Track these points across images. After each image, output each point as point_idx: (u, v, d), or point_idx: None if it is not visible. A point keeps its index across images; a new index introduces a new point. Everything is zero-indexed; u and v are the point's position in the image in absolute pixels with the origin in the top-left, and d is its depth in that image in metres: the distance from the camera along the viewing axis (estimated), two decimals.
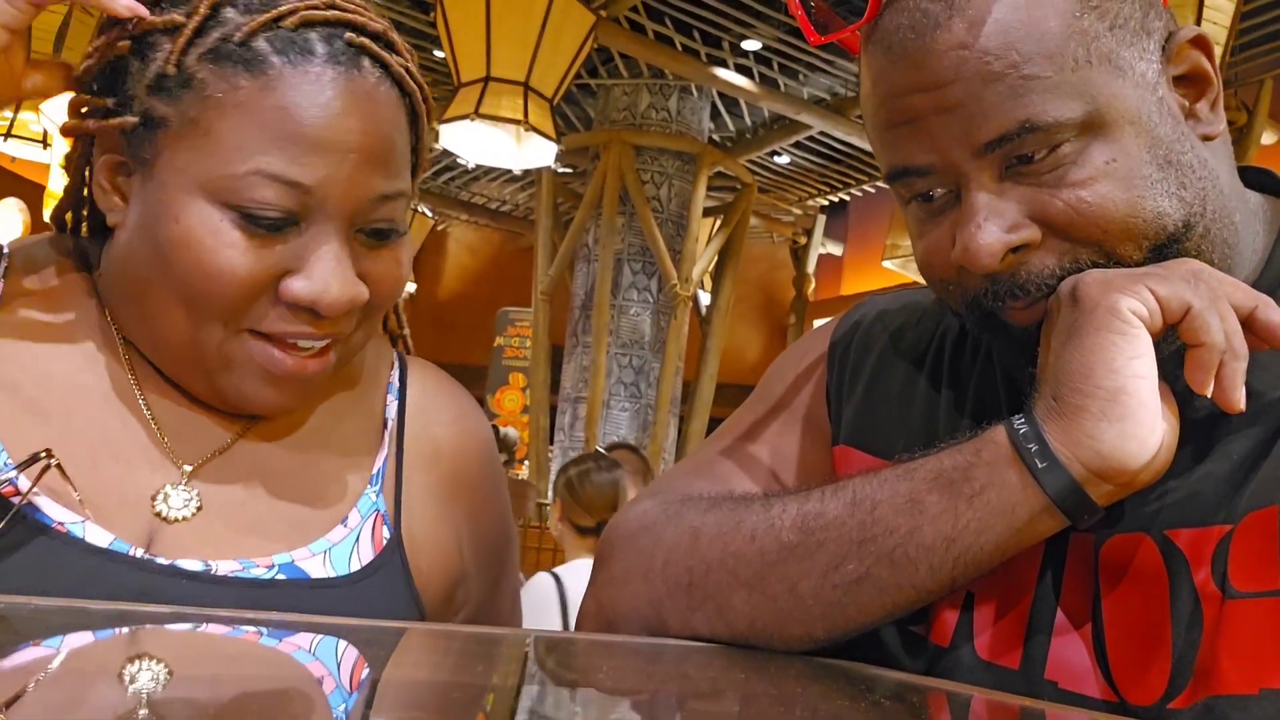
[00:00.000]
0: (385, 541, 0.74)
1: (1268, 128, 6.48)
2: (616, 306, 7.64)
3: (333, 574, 0.70)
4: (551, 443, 7.98)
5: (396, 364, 0.83)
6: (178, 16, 0.65)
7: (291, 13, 0.65)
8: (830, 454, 0.76)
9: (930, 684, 0.60)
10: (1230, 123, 0.61)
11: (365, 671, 0.52)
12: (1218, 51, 0.65)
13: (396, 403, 0.81)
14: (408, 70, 0.69)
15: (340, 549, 0.71)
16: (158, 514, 0.68)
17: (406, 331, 0.89)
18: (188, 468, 0.70)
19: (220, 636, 0.56)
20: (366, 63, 0.67)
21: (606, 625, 0.70)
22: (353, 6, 0.68)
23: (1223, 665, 0.52)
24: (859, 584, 0.60)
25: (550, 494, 3.60)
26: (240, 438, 0.73)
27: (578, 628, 0.73)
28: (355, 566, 0.71)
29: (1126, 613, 0.58)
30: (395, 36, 0.70)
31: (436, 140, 6.09)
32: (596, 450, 3.31)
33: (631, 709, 0.49)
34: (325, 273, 0.65)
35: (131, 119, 0.66)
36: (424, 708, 0.44)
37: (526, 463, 8.14)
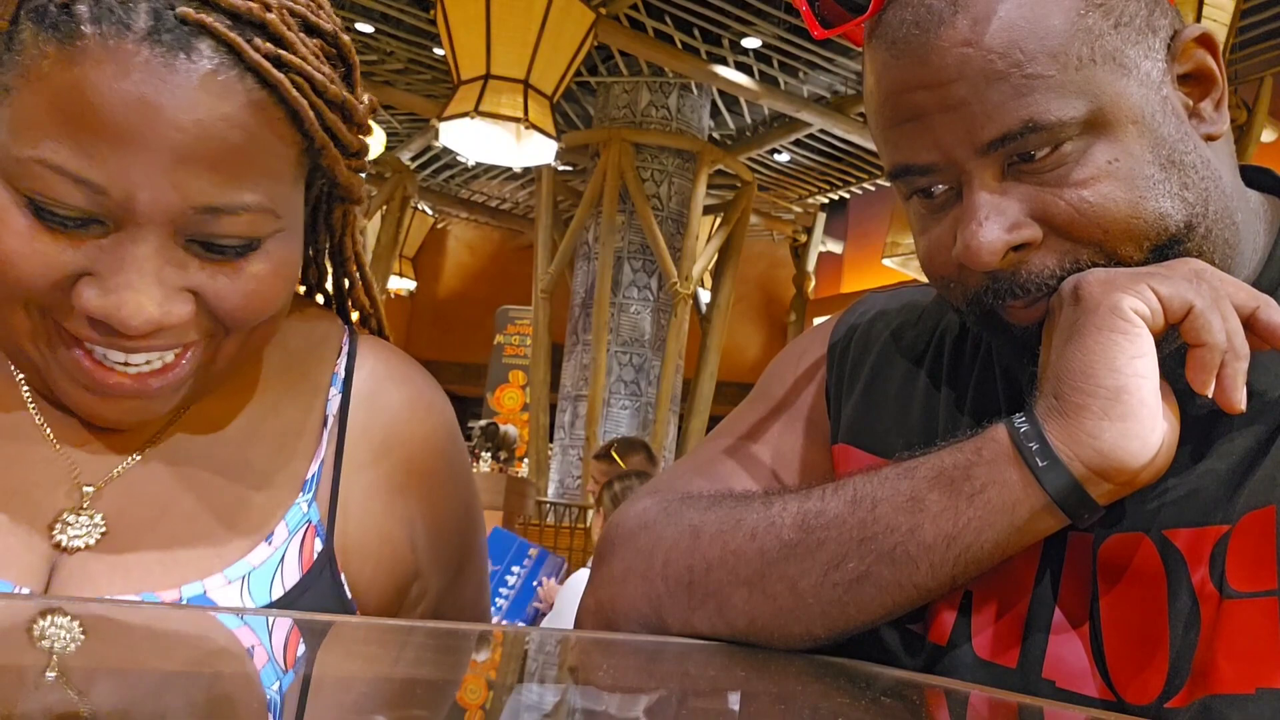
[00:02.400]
0: (315, 557, 0.67)
1: (1267, 125, 6.48)
2: (616, 304, 7.65)
3: (249, 604, 0.63)
4: (551, 440, 7.98)
5: (345, 350, 0.75)
6: None
7: None
8: (830, 453, 0.76)
9: (930, 682, 0.60)
10: (1230, 120, 0.61)
11: (365, 669, 0.52)
12: None
13: (339, 395, 0.72)
14: (278, 60, 0.57)
15: (261, 573, 0.64)
16: (56, 544, 0.61)
17: (379, 312, 0.81)
18: (89, 489, 0.63)
19: (188, 630, 0.56)
20: (205, 45, 0.55)
21: (606, 623, 0.70)
22: None
23: (1220, 665, 0.52)
24: (859, 582, 0.60)
25: (580, 500, 3.64)
26: (152, 446, 0.66)
27: (577, 626, 0.73)
28: (278, 593, 0.64)
29: (1124, 612, 0.58)
30: (273, 17, 0.58)
31: (436, 138, 6.09)
32: (638, 469, 3.37)
33: (632, 707, 0.48)
34: (122, 285, 0.56)
35: None
36: (423, 705, 0.44)
37: (526, 460, 8.14)
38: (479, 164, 9.78)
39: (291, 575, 0.65)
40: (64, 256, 0.56)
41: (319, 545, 0.67)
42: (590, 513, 4.99)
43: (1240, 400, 0.53)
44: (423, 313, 13.19)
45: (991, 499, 0.57)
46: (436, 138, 6.20)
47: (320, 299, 0.81)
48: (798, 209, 10.51)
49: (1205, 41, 0.62)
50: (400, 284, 11.85)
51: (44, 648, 0.47)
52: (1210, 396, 0.54)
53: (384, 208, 9.05)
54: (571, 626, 0.74)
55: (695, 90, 7.91)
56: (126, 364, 0.59)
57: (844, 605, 0.60)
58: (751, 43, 7.26)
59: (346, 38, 0.64)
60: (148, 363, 0.60)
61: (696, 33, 7.21)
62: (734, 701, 0.53)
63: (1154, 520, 0.59)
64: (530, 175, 9.63)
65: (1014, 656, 0.61)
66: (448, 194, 11.53)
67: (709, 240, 8.56)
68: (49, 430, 0.64)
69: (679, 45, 7.28)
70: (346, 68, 0.65)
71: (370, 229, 9.24)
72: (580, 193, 7.97)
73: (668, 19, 7.05)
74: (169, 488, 0.65)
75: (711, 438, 0.83)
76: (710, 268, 8.82)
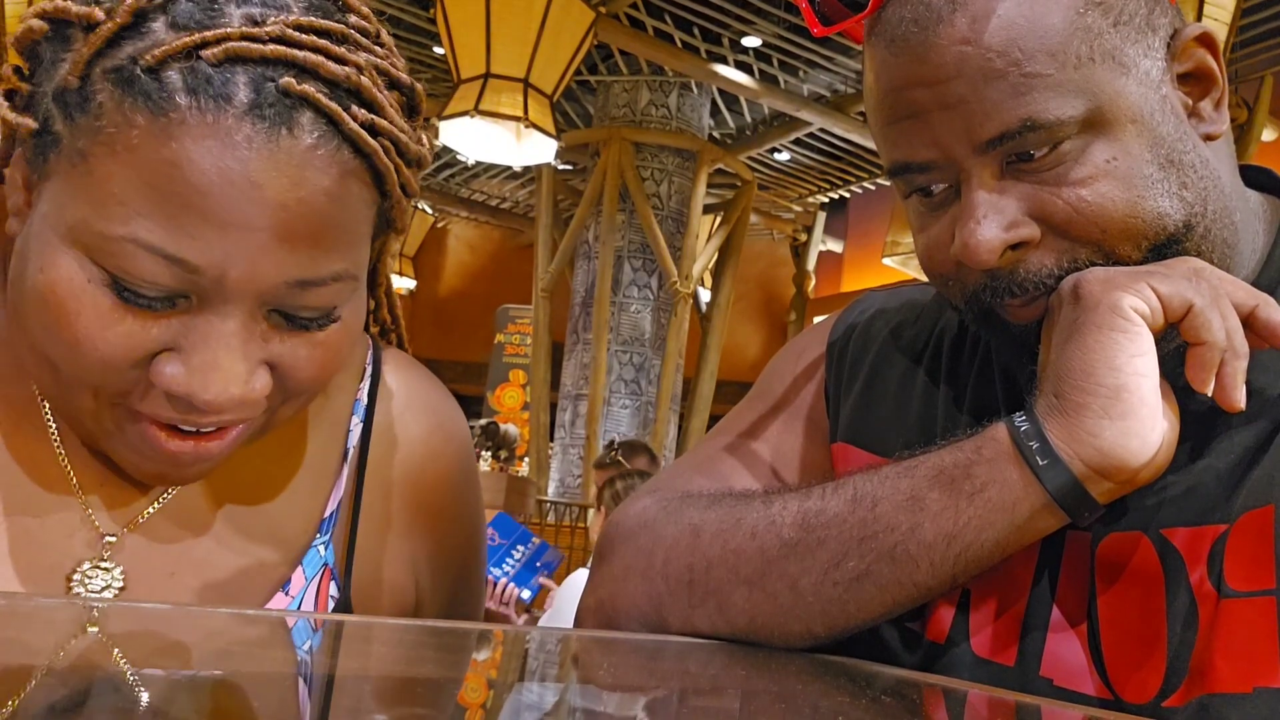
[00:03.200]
0: (332, 605, 0.66)
1: (1268, 124, 6.48)
2: (617, 304, 7.65)
3: None
4: (552, 440, 7.99)
5: (368, 373, 0.72)
6: (99, 12, 0.52)
7: (220, 40, 0.51)
8: (829, 451, 0.76)
9: (929, 681, 0.60)
10: (1230, 119, 0.61)
11: (365, 668, 0.52)
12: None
13: (361, 425, 0.70)
14: (372, 126, 0.55)
15: None
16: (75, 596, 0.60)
17: (399, 326, 0.79)
18: (111, 538, 0.61)
19: (206, 630, 0.56)
20: (306, 118, 0.52)
21: (606, 622, 0.70)
22: (312, 41, 0.53)
23: (1217, 664, 0.52)
24: (859, 581, 0.60)
25: (591, 499, 3.65)
26: (172, 492, 0.64)
27: (577, 625, 0.73)
28: None
29: (1122, 611, 0.58)
30: (366, 81, 0.55)
31: (436, 137, 6.09)
32: (640, 470, 3.38)
33: (632, 706, 0.48)
34: (207, 365, 0.53)
35: (30, 123, 0.54)
36: (425, 704, 0.44)
37: (526, 460, 8.15)
38: (479, 163, 9.78)
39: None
40: (146, 335, 0.53)
41: (334, 590, 0.66)
42: (591, 512, 5.00)
43: (1240, 398, 0.53)
44: (423, 312, 13.19)
45: (992, 498, 0.57)
46: (436, 136, 6.20)
47: None
48: (798, 208, 10.51)
49: (1205, 40, 0.62)
50: (400, 283, 11.85)
51: (49, 648, 0.47)
52: (1210, 395, 0.54)
53: None
54: (570, 625, 0.74)
55: (695, 89, 7.91)
56: (198, 430, 0.57)
57: (844, 604, 0.60)
58: (751, 41, 7.26)
59: (420, 86, 0.62)
60: (213, 428, 0.57)
61: (696, 31, 7.21)
62: (735, 700, 0.53)
63: (1152, 519, 0.59)
64: (530, 174, 9.63)
65: (1012, 655, 0.61)
66: (448, 193, 11.53)
67: (709, 239, 8.56)
68: (73, 476, 0.62)
69: (679, 44, 7.28)
70: (421, 119, 0.63)
71: None
72: (580, 192, 7.97)
73: (668, 18, 7.04)
74: (187, 536, 0.63)
75: (711, 436, 0.83)
76: (710, 267, 8.82)
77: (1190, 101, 0.62)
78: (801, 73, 7.70)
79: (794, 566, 0.61)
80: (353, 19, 0.58)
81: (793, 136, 8.53)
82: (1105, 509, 0.57)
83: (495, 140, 5.89)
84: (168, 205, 0.50)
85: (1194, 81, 0.62)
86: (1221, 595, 0.54)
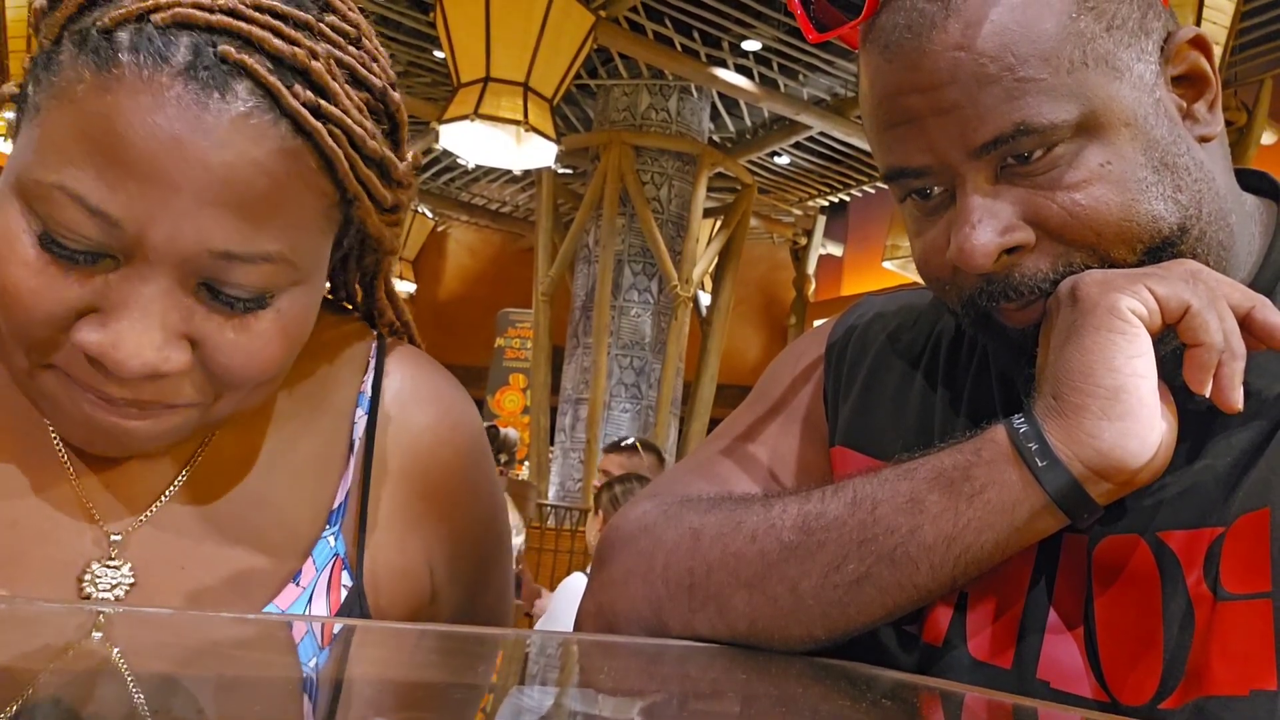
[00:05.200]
0: (345, 594, 0.65)
1: (1267, 128, 6.48)
2: (617, 307, 7.65)
3: None
4: (552, 443, 7.98)
5: (372, 365, 0.72)
6: None
7: (170, 5, 0.53)
8: (828, 454, 0.76)
9: (929, 684, 0.60)
10: (1230, 123, 0.62)
11: (365, 671, 0.52)
12: (1217, 51, 0.65)
13: (366, 416, 0.70)
14: (317, 109, 0.56)
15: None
16: (85, 596, 0.60)
17: (411, 330, 0.80)
18: (117, 536, 0.61)
19: (212, 637, 0.56)
20: (242, 87, 0.53)
21: (606, 626, 0.70)
22: (262, 19, 0.55)
23: (1214, 666, 0.53)
24: (860, 584, 0.60)
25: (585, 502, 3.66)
26: (176, 487, 0.64)
27: (577, 629, 0.73)
28: None
29: (1119, 613, 0.58)
30: (318, 66, 0.56)
31: (436, 141, 6.09)
32: (638, 474, 3.40)
33: (633, 710, 0.49)
34: (123, 327, 0.53)
35: (10, 88, 0.58)
36: (424, 708, 0.44)
37: (527, 463, 8.14)
38: (479, 167, 9.78)
39: (321, 614, 0.64)
40: (69, 291, 0.54)
41: (347, 579, 0.66)
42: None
43: (1237, 399, 0.53)
44: (423, 316, 13.17)
45: (991, 499, 0.57)
46: (436, 140, 6.21)
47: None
48: (798, 212, 10.51)
49: (1199, 43, 0.62)
50: (401, 287, 11.86)
51: (56, 650, 0.47)
52: (1207, 396, 0.54)
53: None
54: (568, 629, 0.74)
55: (695, 93, 7.92)
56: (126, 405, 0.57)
57: (844, 607, 0.60)
58: (751, 45, 7.27)
59: (397, 95, 0.62)
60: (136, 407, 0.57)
61: (696, 35, 7.21)
62: (735, 704, 0.53)
63: (1149, 522, 0.59)
64: (530, 178, 9.63)
65: (1009, 657, 0.61)
66: (448, 197, 11.53)
67: (709, 243, 8.56)
68: (74, 474, 0.62)
69: (679, 48, 7.28)
70: (392, 125, 0.63)
71: None
72: (580, 195, 7.97)
73: (667, 22, 7.05)
74: (194, 531, 0.64)
75: (710, 440, 0.83)
76: (711, 270, 8.82)
77: (1184, 104, 0.62)
78: (801, 76, 7.71)
79: (794, 569, 0.61)
80: (330, 17, 0.59)
81: (793, 140, 8.53)
82: (1104, 510, 0.57)
83: (495, 144, 5.90)
84: (97, 156, 0.52)
85: (1188, 84, 0.62)
86: (1218, 598, 0.54)
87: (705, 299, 8.77)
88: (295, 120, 0.55)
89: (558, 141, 5.97)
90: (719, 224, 8.80)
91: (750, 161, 8.98)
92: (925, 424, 0.71)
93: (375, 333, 0.76)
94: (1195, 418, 0.58)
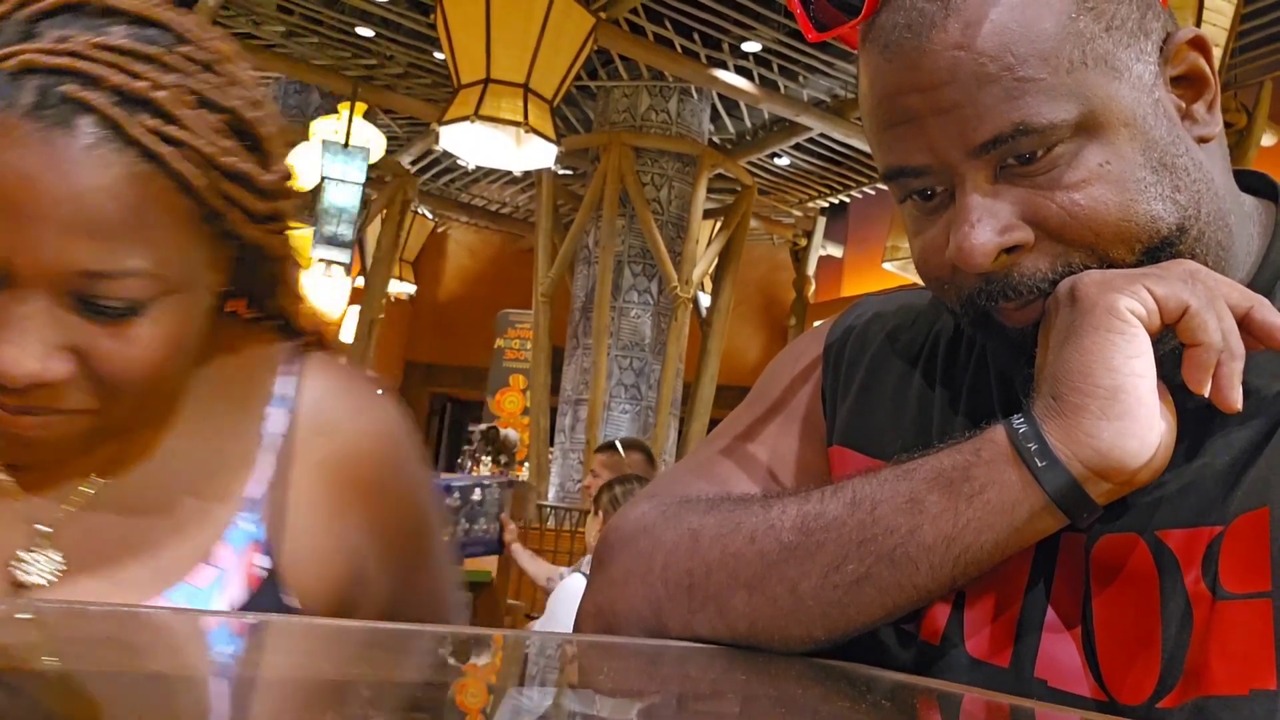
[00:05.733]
0: (262, 575, 0.70)
1: (1267, 129, 6.49)
2: (617, 308, 7.65)
3: None
4: (552, 444, 7.98)
5: (286, 368, 0.78)
6: None
7: (18, 53, 0.59)
8: (826, 454, 0.76)
9: (928, 685, 0.60)
10: (1230, 124, 0.62)
11: (365, 672, 0.52)
12: (1217, 53, 0.65)
13: (284, 414, 0.75)
14: (164, 134, 0.61)
15: (204, 594, 0.67)
16: (15, 582, 0.65)
17: (321, 332, 0.84)
18: (46, 529, 0.67)
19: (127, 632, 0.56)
20: (86, 121, 0.59)
21: (606, 628, 0.70)
22: (106, 57, 0.60)
23: (1213, 666, 0.53)
24: (859, 584, 0.60)
25: (588, 504, 3.69)
26: (99, 479, 0.70)
27: (576, 630, 0.73)
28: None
29: (1117, 612, 0.58)
30: (162, 95, 0.61)
31: (436, 142, 6.10)
32: (638, 474, 3.42)
33: (633, 711, 0.49)
34: (4, 340, 0.60)
35: None
36: (424, 708, 0.44)
37: (526, 464, 8.14)
38: (479, 168, 9.79)
39: (237, 594, 0.68)
40: None
41: (265, 562, 0.70)
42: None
43: (1236, 399, 0.53)
44: (423, 316, 13.19)
45: (991, 500, 0.57)
46: (436, 142, 6.21)
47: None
48: (798, 213, 10.52)
49: (1198, 44, 0.62)
50: (401, 288, 11.85)
51: None
52: (1206, 396, 0.54)
53: (384, 212, 9.06)
54: (567, 630, 0.74)
55: (695, 94, 7.92)
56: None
57: (844, 607, 0.60)
58: (751, 47, 7.27)
59: (255, 113, 0.68)
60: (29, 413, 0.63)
61: (696, 37, 7.22)
62: (735, 705, 0.53)
63: (1148, 520, 0.59)
64: (530, 179, 9.64)
65: (1007, 656, 0.61)
66: (448, 198, 11.54)
67: (709, 244, 8.57)
68: (4, 475, 0.68)
69: (679, 49, 7.29)
70: (254, 139, 0.68)
71: (371, 233, 9.25)
72: (580, 196, 7.97)
73: (667, 23, 7.06)
74: (118, 515, 0.69)
75: (709, 440, 0.83)
76: (710, 271, 8.83)
77: (1183, 104, 0.62)
78: (801, 78, 7.71)
79: (793, 570, 0.61)
80: (185, 48, 0.64)
81: (793, 141, 8.54)
82: (1104, 510, 0.57)
83: (495, 145, 5.90)
84: None
85: (1187, 84, 0.62)
86: (1217, 597, 0.54)
87: (705, 300, 8.77)
88: (143, 146, 0.60)
89: (558, 143, 5.97)
90: (719, 225, 8.81)
91: (750, 163, 8.98)
92: (923, 423, 0.71)
93: (291, 339, 0.81)
94: (1194, 416, 0.58)
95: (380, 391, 0.82)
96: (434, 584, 0.86)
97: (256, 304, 0.81)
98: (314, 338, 0.82)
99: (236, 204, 0.66)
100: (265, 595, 0.69)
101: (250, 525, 0.71)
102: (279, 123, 0.71)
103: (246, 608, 0.68)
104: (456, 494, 3.58)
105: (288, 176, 0.72)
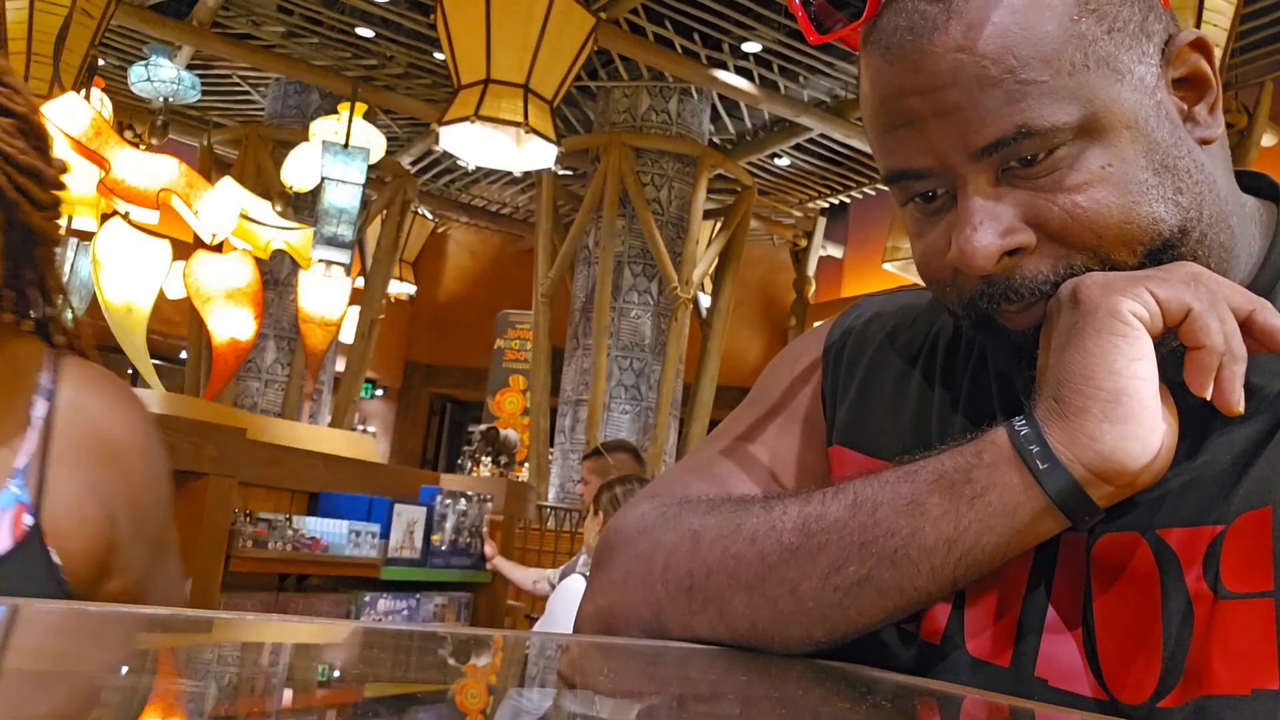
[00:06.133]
0: (26, 529, 0.83)
1: (1268, 130, 6.49)
2: (617, 309, 7.65)
3: None
4: (552, 445, 7.99)
5: (48, 368, 0.92)
6: None
7: None
8: (826, 455, 0.76)
9: (929, 686, 0.60)
10: (1230, 125, 0.62)
11: (365, 673, 0.52)
12: (1217, 54, 0.65)
13: (45, 402, 0.90)
14: None
15: None
16: None
17: (79, 338, 0.98)
18: None
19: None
20: None
21: (606, 629, 0.70)
22: None
23: (1214, 665, 0.52)
24: (860, 586, 0.60)
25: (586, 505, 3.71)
26: None
27: (576, 631, 0.73)
28: None
29: (1117, 611, 0.58)
30: None
31: (436, 142, 6.09)
32: (637, 475, 3.42)
33: (633, 712, 0.49)
34: None
35: None
36: (423, 709, 0.44)
37: (526, 465, 8.14)
38: (479, 168, 9.79)
39: (4, 544, 0.82)
40: None
41: (29, 520, 0.84)
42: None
43: (1238, 402, 0.53)
44: (423, 317, 13.19)
45: (992, 502, 0.57)
46: (436, 142, 6.21)
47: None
48: (798, 213, 10.52)
49: (1199, 45, 0.62)
50: (401, 288, 11.86)
51: None
52: (1208, 399, 0.54)
53: (384, 212, 9.06)
54: (567, 631, 0.74)
55: (695, 95, 7.92)
56: None
57: (845, 609, 0.60)
58: (752, 47, 7.28)
59: (39, 119, 0.84)
60: None
61: (697, 37, 7.22)
62: (735, 706, 0.53)
63: (1149, 520, 0.58)
64: (530, 180, 9.64)
65: (1007, 656, 0.61)
66: (448, 198, 11.54)
67: (709, 244, 8.57)
68: None
69: (679, 50, 7.29)
70: (40, 141, 0.85)
71: (371, 233, 9.25)
72: (580, 197, 7.97)
73: (668, 23, 7.06)
74: None
75: (709, 440, 0.83)
76: (711, 272, 8.83)
77: (1185, 106, 0.62)
78: (802, 78, 7.72)
79: (794, 571, 0.61)
80: None
81: (793, 142, 8.55)
82: (1105, 513, 0.57)
83: (495, 145, 5.90)
84: None
85: (1189, 86, 0.62)
86: (1218, 596, 0.54)
87: (705, 300, 8.77)
88: None
89: (558, 143, 5.97)
90: (719, 226, 8.81)
91: (750, 163, 8.99)
92: (923, 423, 0.71)
93: (50, 341, 0.95)
94: (1196, 415, 0.58)
95: (126, 386, 0.97)
96: (175, 567, 1.00)
97: (23, 299, 0.94)
98: (72, 339, 0.97)
99: (26, 194, 0.81)
100: (29, 547, 0.83)
101: (16, 490, 0.85)
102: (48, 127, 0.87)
103: (11, 557, 0.81)
104: (445, 504, 3.59)
105: (64, 170, 0.87)
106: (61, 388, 0.90)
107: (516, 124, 5.57)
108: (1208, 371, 0.53)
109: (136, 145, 4.64)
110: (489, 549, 3.73)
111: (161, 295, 4.68)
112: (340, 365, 9.57)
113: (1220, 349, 0.53)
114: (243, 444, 2.80)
